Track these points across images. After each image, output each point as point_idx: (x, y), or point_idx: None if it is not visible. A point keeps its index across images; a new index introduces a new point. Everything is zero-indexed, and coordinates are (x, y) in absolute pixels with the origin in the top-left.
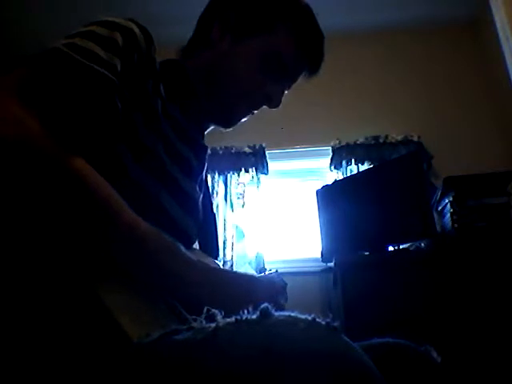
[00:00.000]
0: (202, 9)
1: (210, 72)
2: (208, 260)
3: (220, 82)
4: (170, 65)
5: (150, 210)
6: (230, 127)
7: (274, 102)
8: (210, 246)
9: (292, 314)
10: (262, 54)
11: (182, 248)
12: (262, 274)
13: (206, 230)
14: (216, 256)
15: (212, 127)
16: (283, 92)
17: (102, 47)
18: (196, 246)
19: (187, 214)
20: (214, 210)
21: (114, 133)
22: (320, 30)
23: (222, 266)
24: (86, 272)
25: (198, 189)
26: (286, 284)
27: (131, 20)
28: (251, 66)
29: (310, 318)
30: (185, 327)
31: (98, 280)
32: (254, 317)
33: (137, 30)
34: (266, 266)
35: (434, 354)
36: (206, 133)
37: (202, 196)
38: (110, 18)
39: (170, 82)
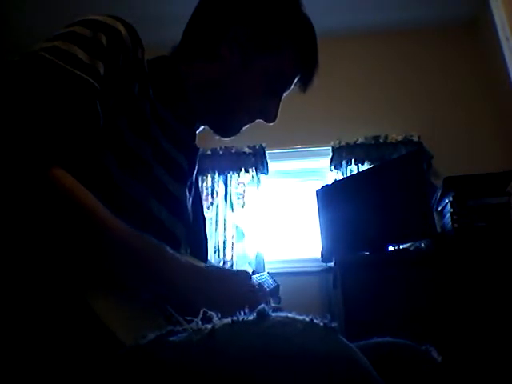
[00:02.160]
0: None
1: (215, 86)
2: (198, 263)
3: (225, 97)
4: (160, 64)
5: (137, 215)
6: (228, 137)
7: (271, 118)
8: (200, 248)
9: (289, 315)
10: (269, 74)
11: (170, 250)
12: (253, 276)
13: (195, 232)
14: (205, 259)
15: (202, 127)
16: (279, 107)
17: (84, 50)
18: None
19: (176, 217)
20: (205, 213)
21: (97, 139)
22: (317, 45)
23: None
24: (75, 280)
25: (187, 191)
26: (278, 285)
27: (117, 18)
28: (258, 84)
29: (307, 318)
30: (180, 328)
31: (87, 287)
32: (251, 318)
33: (123, 30)
34: (264, 267)
35: (435, 354)
36: (197, 132)
37: (192, 198)
38: (96, 17)
39: (160, 83)
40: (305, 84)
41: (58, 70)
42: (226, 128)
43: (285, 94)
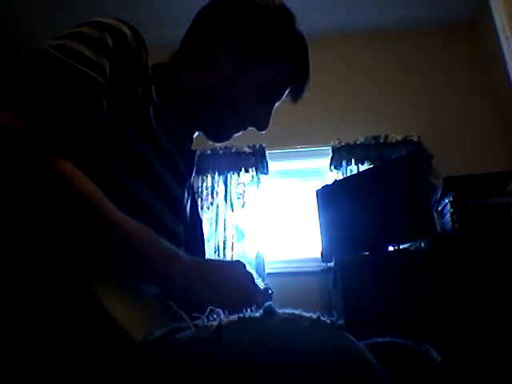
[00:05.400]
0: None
1: (210, 93)
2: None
3: (218, 104)
4: (160, 68)
5: (139, 213)
6: (218, 142)
7: (262, 126)
8: (197, 250)
9: (296, 312)
10: (261, 85)
11: (167, 242)
12: None
13: (192, 235)
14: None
15: (197, 133)
16: (270, 115)
17: (90, 49)
18: None
19: (176, 216)
20: (202, 215)
21: (101, 136)
22: (309, 60)
23: None
24: (81, 274)
25: (186, 193)
26: (272, 293)
27: (123, 22)
28: (250, 95)
29: (314, 316)
30: (187, 325)
31: (94, 282)
32: (258, 315)
33: (128, 33)
34: (264, 267)
35: (434, 354)
36: (194, 137)
37: (189, 201)
38: (102, 19)
39: (160, 86)
40: (296, 96)
41: (64, 66)
42: (218, 133)
43: (277, 104)
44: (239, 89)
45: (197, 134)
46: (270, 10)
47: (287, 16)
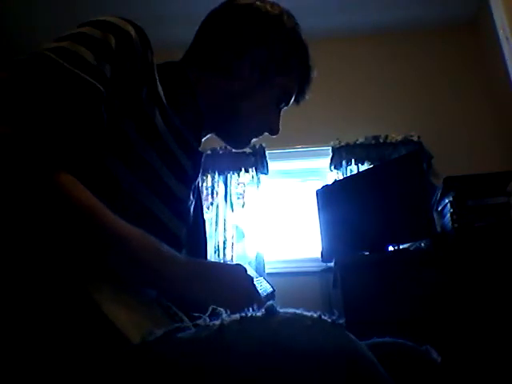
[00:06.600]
0: (215, 17)
1: (229, 102)
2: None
3: (237, 113)
4: (170, 69)
5: (141, 216)
6: (239, 149)
7: (275, 131)
8: (199, 251)
9: (297, 312)
10: (280, 92)
11: (166, 246)
12: None
13: (195, 236)
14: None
15: (209, 135)
16: (279, 119)
17: (92, 51)
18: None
19: (179, 219)
20: (205, 214)
21: (101, 142)
22: (312, 64)
23: None
24: (80, 278)
25: (191, 195)
26: (274, 290)
27: (128, 21)
28: (269, 101)
29: (315, 315)
30: (188, 325)
31: (92, 285)
32: (259, 314)
33: (133, 33)
34: (264, 267)
35: (434, 354)
36: (203, 140)
37: (194, 202)
38: (106, 18)
39: (169, 87)
40: (300, 98)
41: (63, 72)
42: (237, 141)
43: (284, 108)
44: (260, 97)
45: (209, 135)
46: (284, 19)
47: (294, 22)
